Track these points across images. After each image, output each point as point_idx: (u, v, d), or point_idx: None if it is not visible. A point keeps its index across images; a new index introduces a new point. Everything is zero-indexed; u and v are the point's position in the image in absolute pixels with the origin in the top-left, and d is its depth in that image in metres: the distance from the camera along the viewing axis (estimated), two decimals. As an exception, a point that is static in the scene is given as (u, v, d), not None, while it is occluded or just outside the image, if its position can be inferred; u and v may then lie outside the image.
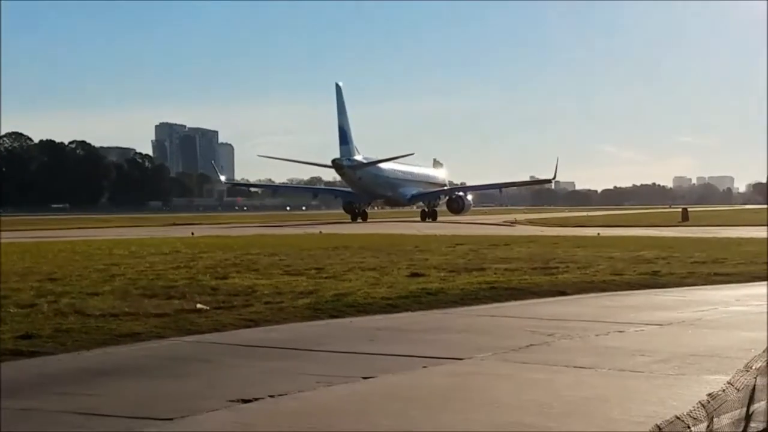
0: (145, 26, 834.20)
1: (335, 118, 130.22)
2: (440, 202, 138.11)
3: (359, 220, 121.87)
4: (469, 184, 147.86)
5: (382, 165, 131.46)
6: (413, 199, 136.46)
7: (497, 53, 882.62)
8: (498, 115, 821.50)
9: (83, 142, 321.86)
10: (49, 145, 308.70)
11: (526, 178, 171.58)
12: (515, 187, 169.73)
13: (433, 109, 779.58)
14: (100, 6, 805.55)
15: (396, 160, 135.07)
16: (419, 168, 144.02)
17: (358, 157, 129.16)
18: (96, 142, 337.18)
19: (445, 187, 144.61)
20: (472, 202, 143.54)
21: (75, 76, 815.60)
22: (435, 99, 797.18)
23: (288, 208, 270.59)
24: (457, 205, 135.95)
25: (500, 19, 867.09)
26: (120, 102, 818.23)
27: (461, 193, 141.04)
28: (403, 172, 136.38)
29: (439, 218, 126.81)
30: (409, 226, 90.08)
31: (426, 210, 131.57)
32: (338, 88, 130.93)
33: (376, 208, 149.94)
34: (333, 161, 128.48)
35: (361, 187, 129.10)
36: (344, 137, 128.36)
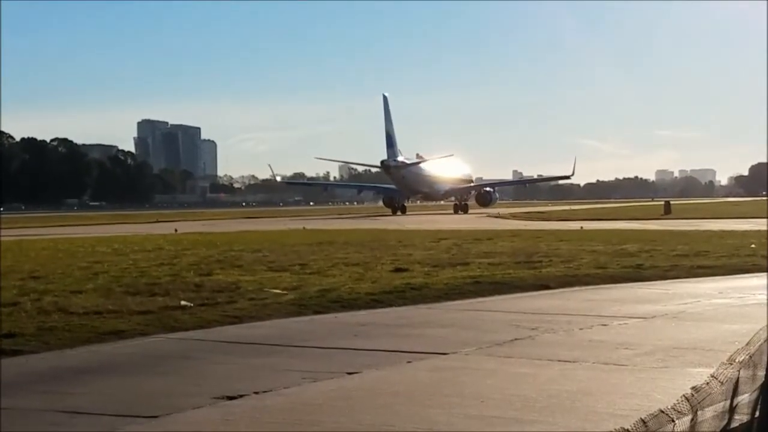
0: (127, 23, 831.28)
1: (380, 124, 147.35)
2: (470, 197, 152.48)
3: (399, 213, 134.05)
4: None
5: (422, 165, 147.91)
6: (447, 194, 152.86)
7: (477, 49, 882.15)
8: (479, 110, 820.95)
9: (65, 139, 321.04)
10: (30, 143, 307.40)
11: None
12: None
13: (411, 105, 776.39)
14: (81, 4, 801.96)
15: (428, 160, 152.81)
16: (451, 166, 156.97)
17: (400, 158, 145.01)
18: (78, 140, 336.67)
19: (472, 183, 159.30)
20: (498, 196, 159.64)
21: (57, 73, 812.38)
22: (412, 94, 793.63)
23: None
24: (485, 199, 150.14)
25: (478, 15, 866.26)
26: (102, 99, 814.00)
27: (489, 188, 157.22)
28: (440, 170, 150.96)
29: (470, 211, 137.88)
30: (391, 221, 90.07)
31: (458, 204, 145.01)
32: (385, 99, 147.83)
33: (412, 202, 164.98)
34: (382, 162, 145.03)
35: (404, 185, 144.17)
36: (390, 141, 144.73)
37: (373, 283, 24.20)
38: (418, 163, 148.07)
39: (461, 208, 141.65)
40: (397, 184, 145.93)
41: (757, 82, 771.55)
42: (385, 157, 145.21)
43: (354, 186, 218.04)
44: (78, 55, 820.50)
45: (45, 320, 17.59)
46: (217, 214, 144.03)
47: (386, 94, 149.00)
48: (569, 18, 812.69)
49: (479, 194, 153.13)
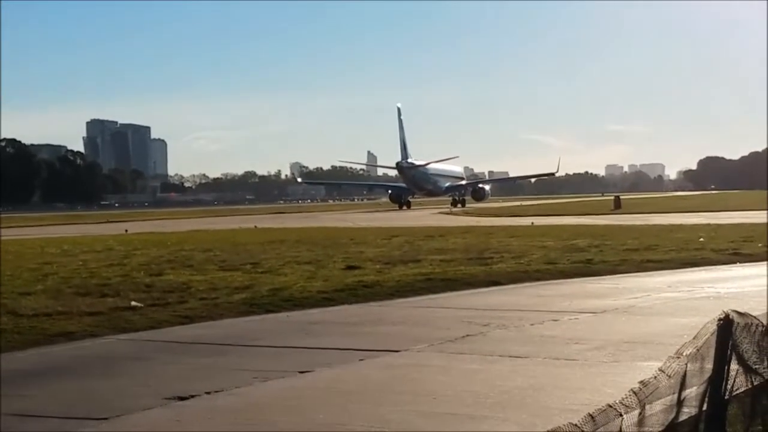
0: (76, 21, 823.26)
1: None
2: (467, 193, 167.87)
3: (404, 208, 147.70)
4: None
5: (428, 165, 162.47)
6: (447, 191, 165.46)
7: (423, 45, 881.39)
8: (428, 106, 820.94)
9: (13, 140, 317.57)
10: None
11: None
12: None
13: (359, 101, 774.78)
14: (28, 3, 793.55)
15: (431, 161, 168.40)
16: (449, 166, 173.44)
17: (411, 160, 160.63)
18: (26, 140, 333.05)
19: (464, 181, 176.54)
20: (490, 192, 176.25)
21: (3, 73, 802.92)
22: (361, 91, 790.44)
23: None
24: (479, 195, 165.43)
25: (425, 11, 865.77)
26: (50, 99, 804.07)
27: (481, 185, 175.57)
28: (441, 170, 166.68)
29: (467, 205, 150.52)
30: (344, 218, 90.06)
31: (456, 199, 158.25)
32: (399, 110, 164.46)
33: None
34: (396, 164, 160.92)
35: (413, 183, 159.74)
36: (403, 146, 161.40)
37: (325, 282, 24.19)
38: (426, 164, 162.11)
39: (459, 202, 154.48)
40: (407, 182, 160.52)
41: (706, 77, 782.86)
42: (399, 159, 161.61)
43: (364, 185, 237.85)
44: (25, 54, 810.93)
45: (-7, 323, 17.40)
46: (176, 213, 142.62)
47: (399, 105, 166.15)
48: (518, 15, 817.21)
49: (474, 190, 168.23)
